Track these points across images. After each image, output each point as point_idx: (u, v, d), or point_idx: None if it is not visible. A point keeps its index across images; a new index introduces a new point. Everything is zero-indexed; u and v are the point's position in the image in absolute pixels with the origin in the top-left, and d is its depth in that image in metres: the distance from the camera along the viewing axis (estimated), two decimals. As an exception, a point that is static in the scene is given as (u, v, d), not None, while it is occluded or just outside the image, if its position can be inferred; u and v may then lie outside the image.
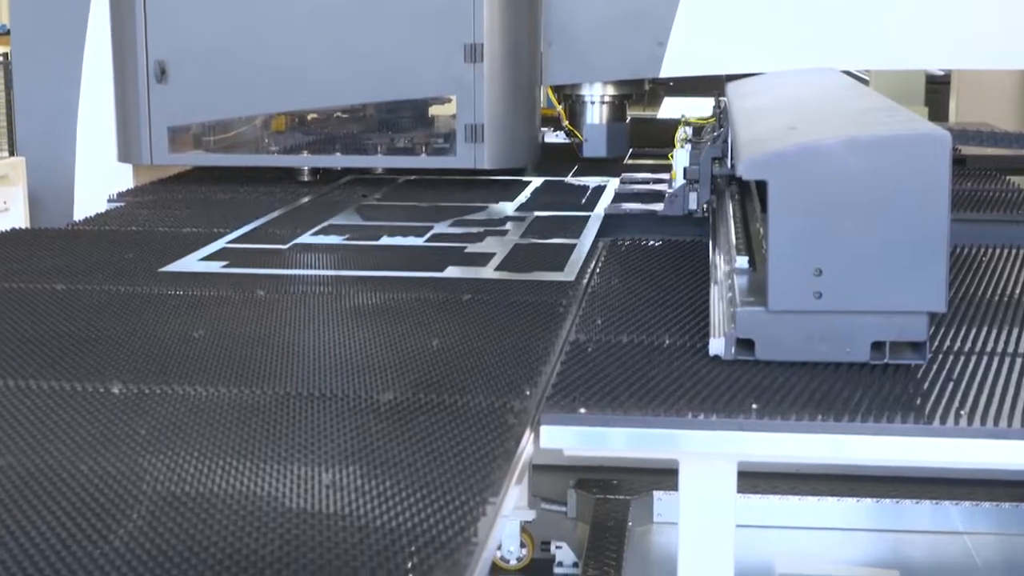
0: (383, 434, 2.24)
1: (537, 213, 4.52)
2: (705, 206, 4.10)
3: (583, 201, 4.82)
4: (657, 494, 3.89)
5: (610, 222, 4.28)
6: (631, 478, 3.97)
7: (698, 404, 2.35)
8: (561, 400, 2.38)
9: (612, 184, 5.19)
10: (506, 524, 4.09)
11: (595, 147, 5.79)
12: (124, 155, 5.37)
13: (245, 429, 2.28)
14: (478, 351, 2.74)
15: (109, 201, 5.00)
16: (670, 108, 7.73)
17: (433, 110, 5.50)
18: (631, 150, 6.02)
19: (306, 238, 4.09)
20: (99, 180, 5.29)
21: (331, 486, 2.00)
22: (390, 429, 2.26)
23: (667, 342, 2.76)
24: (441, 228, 4.26)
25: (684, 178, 4.17)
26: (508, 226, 4.30)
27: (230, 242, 4.02)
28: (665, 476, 3.88)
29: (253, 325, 3.01)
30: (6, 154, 10.69)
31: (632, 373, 2.54)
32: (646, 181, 5.16)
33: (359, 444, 2.20)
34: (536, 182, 5.27)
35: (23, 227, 4.55)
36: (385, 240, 4.03)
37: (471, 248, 3.91)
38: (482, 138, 5.08)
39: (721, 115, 4.59)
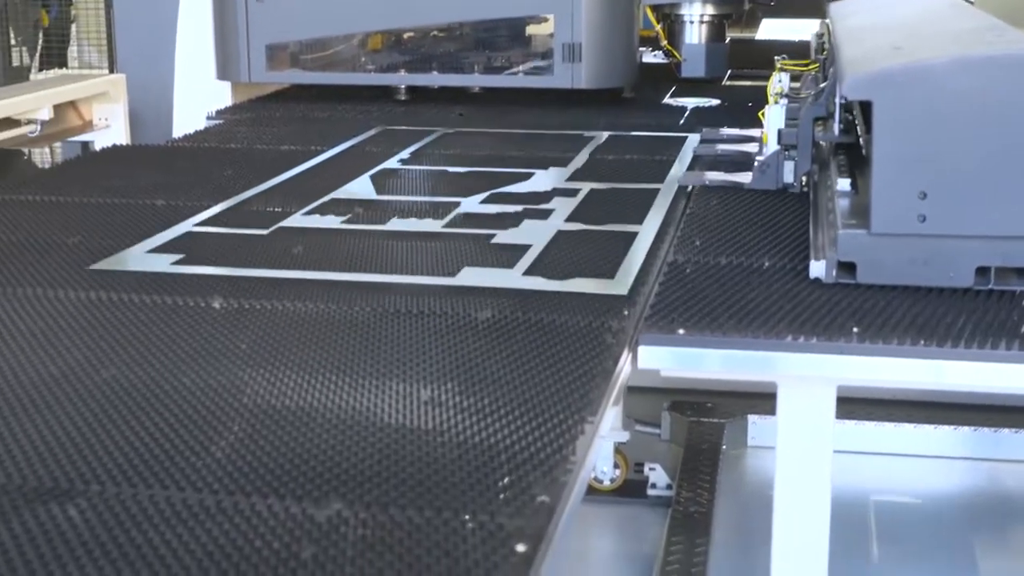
0: (481, 351, 2.24)
1: (593, 185, 3.65)
2: (804, 179, 3.38)
3: (659, 158, 4.12)
4: (752, 418, 3.87)
5: (681, 196, 3.56)
6: (725, 401, 3.95)
7: (798, 327, 2.33)
8: (659, 321, 2.37)
9: (690, 143, 4.37)
10: (601, 445, 4.11)
11: (693, 67, 5.72)
12: (222, 73, 5.39)
13: (344, 345, 2.29)
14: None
15: (208, 119, 5.03)
16: (769, 29, 7.62)
17: (530, 29, 5.46)
18: (729, 71, 5.94)
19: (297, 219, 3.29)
20: (198, 98, 5.32)
21: (429, 402, 2.01)
22: (488, 347, 2.26)
23: (766, 264, 2.73)
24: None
25: (778, 143, 3.40)
26: (553, 203, 3.44)
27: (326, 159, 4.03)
28: (759, 400, 3.86)
29: (350, 244, 3.03)
30: (106, 72, 10.80)
31: (731, 295, 2.52)
32: (733, 139, 4.27)
33: (457, 361, 2.20)
34: (602, 136, 4.48)
35: (124, 143, 4.59)
36: (394, 223, 3.21)
37: (501, 237, 3.06)
38: (580, 57, 5.03)
39: (825, 60, 3.86)
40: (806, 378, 2.32)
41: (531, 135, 4.53)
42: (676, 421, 3.90)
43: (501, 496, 1.69)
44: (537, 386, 2.08)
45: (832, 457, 2.41)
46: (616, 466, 4.08)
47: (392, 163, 3.99)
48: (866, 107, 2.77)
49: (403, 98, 5.40)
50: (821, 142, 3.30)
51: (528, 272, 2.74)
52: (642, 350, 2.31)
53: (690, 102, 5.26)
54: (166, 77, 5.45)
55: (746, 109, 4.64)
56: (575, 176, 3.81)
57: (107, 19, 11.20)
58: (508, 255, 2.88)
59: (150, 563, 1.52)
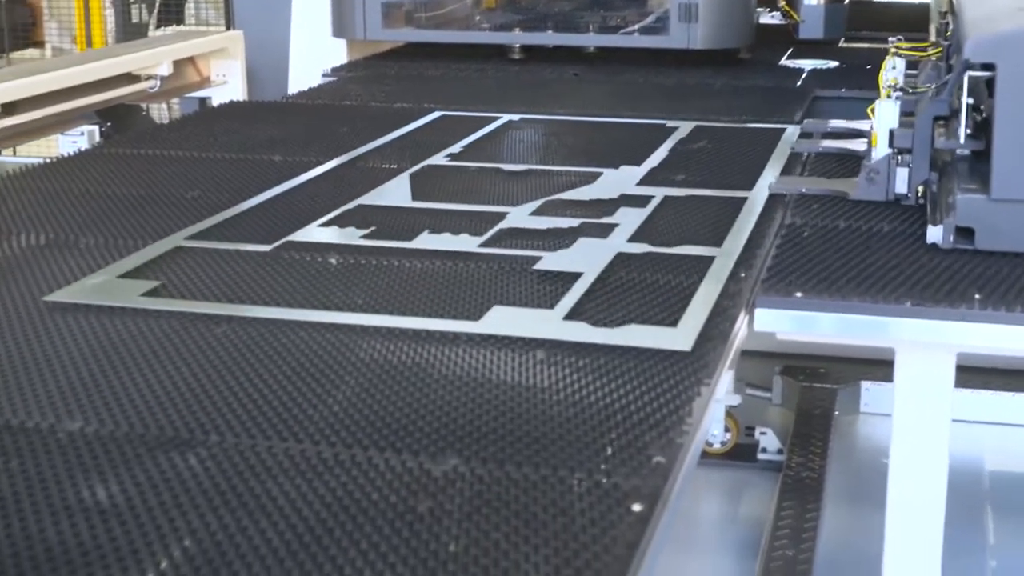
0: (596, 311, 2.23)
1: (668, 192, 3.07)
2: (920, 189, 2.85)
3: (750, 153, 3.56)
4: (865, 384, 3.82)
5: (775, 210, 2.96)
6: (838, 367, 3.91)
7: (918, 292, 2.29)
8: (776, 284, 2.34)
9: (789, 136, 3.76)
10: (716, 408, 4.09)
11: (811, 28, 5.62)
12: (338, 30, 5.40)
13: (460, 301, 2.30)
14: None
15: (323, 76, 5.05)
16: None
17: None
18: (847, 33, 5.85)
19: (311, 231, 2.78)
20: (313, 54, 5.35)
21: (545, 361, 2.01)
22: (604, 306, 2.25)
23: (885, 228, 2.69)
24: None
25: (889, 146, 2.86)
26: (618, 215, 2.86)
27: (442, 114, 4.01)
28: (873, 366, 3.81)
29: (465, 196, 3.03)
30: (224, 28, 10.90)
31: (849, 259, 2.48)
32: (840, 134, 3.60)
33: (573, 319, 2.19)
34: (684, 128, 3.86)
35: (241, 100, 4.63)
36: (423, 240, 2.67)
37: (547, 261, 2.53)
38: (696, 17, 4.97)
39: (950, 47, 3.30)
40: (925, 344, 2.29)
41: (609, 123, 4.04)
42: (788, 386, 3.86)
43: (615, 455, 1.69)
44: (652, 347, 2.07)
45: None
46: (727, 430, 4.07)
47: (439, 158, 3.46)
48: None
49: (517, 57, 5.37)
50: (942, 150, 2.79)
51: (571, 315, 2.23)
52: (759, 313, 2.29)
53: (807, 64, 5.18)
54: (282, 34, 5.48)
55: (865, 72, 4.56)
56: (649, 178, 3.25)
57: (224, -25, 11.32)
58: (549, 289, 2.38)
59: (269, 513, 1.54)
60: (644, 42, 5.23)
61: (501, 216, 2.84)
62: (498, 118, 4.01)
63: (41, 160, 3.40)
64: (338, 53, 5.40)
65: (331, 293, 2.34)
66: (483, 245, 2.64)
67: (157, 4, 12.42)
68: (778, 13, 5.93)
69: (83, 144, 4.20)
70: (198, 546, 1.46)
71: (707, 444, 3.99)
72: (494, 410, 1.83)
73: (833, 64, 5.13)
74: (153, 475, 1.63)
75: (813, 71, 5.00)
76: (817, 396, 3.80)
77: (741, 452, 3.73)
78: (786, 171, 3.31)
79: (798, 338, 2.35)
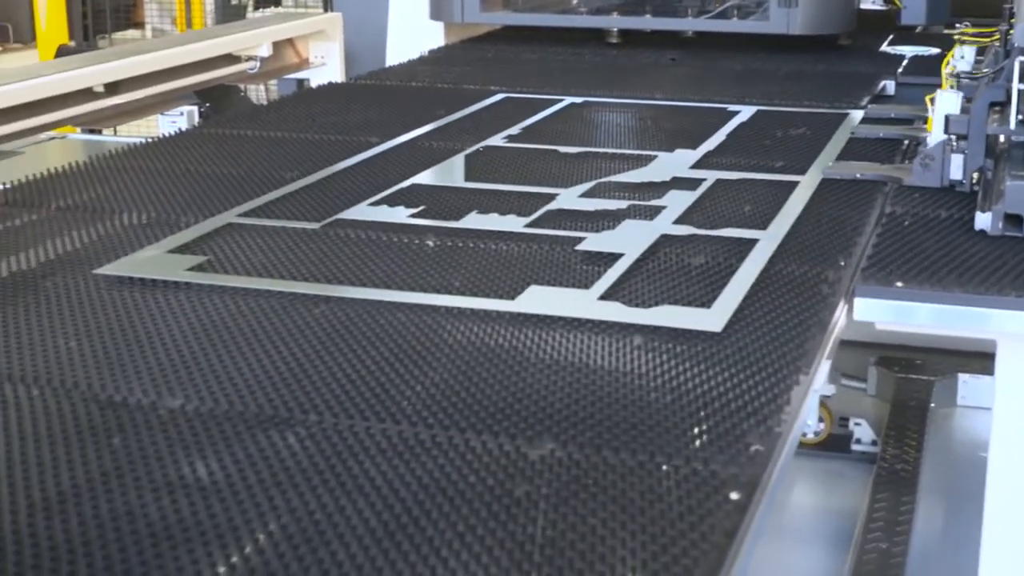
0: (694, 299, 2.22)
1: (721, 175, 3.03)
2: (975, 176, 2.81)
3: (810, 136, 3.51)
4: (963, 377, 3.78)
5: (827, 193, 2.90)
6: (934, 359, 3.86)
7: (1022, 284, 2.25)
8: (877, 273, 2.31)
9: (850, 121, 3.67)
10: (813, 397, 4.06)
11: (914, 14, 5.53)
12: (436, 13, 5.40)
13: (554, 286, 2.29)
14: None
15: (419, 58, 5.07)
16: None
17: None
18: (950, 19, 5.75)
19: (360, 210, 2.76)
20: (411, 37, 5.36)
21: (642, 347, 2.00)
22: (701, 293, 2.24)
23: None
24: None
25: (945, 131, 2.84)
26: (667, 197, 2.83)
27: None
28: (970, 359, 3.77)
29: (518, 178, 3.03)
30: (321, 10, 10.96)
31: (951, 249, 2.45)
32: (903, 120, 3.63)
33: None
34: (746, 112, 3.79)
35: (339, 81, 4.65)
36: (470, 220, 2.66)
37: (590, 242, 2.52)
38: (796, 2, 4.92)
39: (1007, 32, 3.24)
40: (1029, 337, 2.25)
41: (674, 107, 3.98)
42: (884, 377, 3.82)
43: (715, 443, 1.67)
44: (751, 335, 2.05)
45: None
46: (820, 420, 4.04)
47: (496, 139, 3.45)
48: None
49: (615, 41, 5.33)
50: (998, 136, 2.75)
51: (606, 296, 2.22)
52: (858, 302, 2.26)
53: (908, 50, 5.10)
54: (380, 16, 5.49)
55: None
56: (703, 161, 3.21)
57: (323, -42, 11.39)
58: (588, 270, 2.37)
59: (366, 493, 1.55)
60: (743, 27, 5.18)
61: (551, 198, 2.83)
62: (560, 100, 3.98)
63: (141, 140, 3.44)
64: (435, 36, 5.41)
65: (429, 276, 2.34)
66: (529, 226, 2.63)
67: (256, -15, 12.52)
68: (880, -1, 5.86)
69: (183, 124, 4.26)
70: (296, 524, 1.47)
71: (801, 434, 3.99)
72: (591, 395, 1.82)
73: (935, 51, 5.05)
74: (252, 453, 1.65)
75: (914, 58, 4.92)
76: (913, 388, 3.76)
77: (835, 443, 3.70)
78: (843, 156, 3.23)
79: (898, 329, 2.33)
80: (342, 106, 3.95)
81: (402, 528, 1.47)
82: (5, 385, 1.86)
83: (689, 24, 5.35)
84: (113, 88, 3.67)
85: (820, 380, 2.06)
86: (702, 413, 1.77)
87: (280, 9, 11.80)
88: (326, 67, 4.73)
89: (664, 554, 1.42)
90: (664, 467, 1.62)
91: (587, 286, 2.27)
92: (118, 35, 12.55)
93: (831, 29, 5.11)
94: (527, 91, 4.14)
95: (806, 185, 2.95)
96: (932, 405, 3.69)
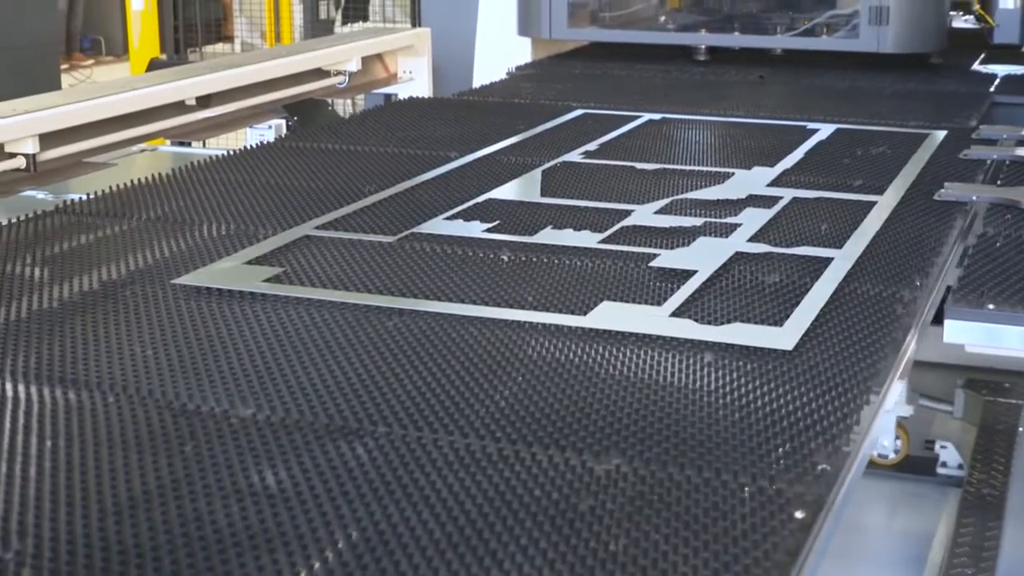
0: (766, 317, 2.21)
1: (798, 193, 3.02)
2: None
3: (893, 155, 3.48)
4: (1051, 401, 3.71)
5: (905, 213, 2.89)
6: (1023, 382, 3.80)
7: (1115, 308, 2.22)
8: (967, 295, 2.28)
9: (931, 141, 3.61)
10: (886, 418, 4.01)
11: (1007, 33, 5.47)
12: (524, 28, 5.42)
13: (626, 302, 2.29)
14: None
15: (507, 73, 5.09)
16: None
17: None
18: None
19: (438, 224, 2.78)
20: (498, 52, 5.38)
21: (712, 364, 2.00)
22: (773, 311, 2.23)
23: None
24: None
25: None
26: (743, 215, 2.84)
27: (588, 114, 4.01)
28: (1061, 384, 3.71)
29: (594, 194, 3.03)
30: (407, 25, 11.05)
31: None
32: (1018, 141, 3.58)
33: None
34: (826, 130, 3.78)
35: (427, 96, 4.67)
36: (545, 235, 2.68)
37: (664, 259, 2.52)
38: (887, 20, 4.87)
39: None
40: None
41: (749, 125, 3.97)
42: (970, 399, 3.77)
43: (781, 461, 1.67)
44: (823, 353, 2.04)
45: None
46: (897, 439, 3.99)
47: (574, 155, 3.46)
48: None
49: (702, 58, 5.33)
50: None
51: (677, 312, 2.22)
52: (948, 324, 2.24)
53: (1000, 70, 5.05)
54: (468, 32, 5.52)
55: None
56: (782, 179, 3.21)
57: (412, -27, 11.46)
58: (661, 286, 2.37)
59: (431, 505, 1.56)
60: (832, 45, 5.15)
61: (626, 214, 2.84)
62: (639, 117, 3.99)
63: (223, 152, 3.49)
64: (523, 51, 5.43)
65: (503, 289, 2.35)
66: (603, 242, 2.63)
67: (343, 1, 12.66)
68: (972, 17, 5.79)
69: (270, 138, 4.30)
70: (361, 535, 1.49)
71: (879, 455, 3.97)
72: (659, 411, 1.82)
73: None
74: (321, 463, 1.66)
75: (1007, 77, 4.86)
76: (1001, 411, 3.70)
77: (919, 465, 3.66)
78: (929, 176, 3.22)
79: (988, 351, 2.30)
80: (420, 120, 3.98)
81: (466, 540, 1.48)
82: (82, 391, 1.89)
83: (777, 42, 5.33)
84: (205, 101, 3.71)
85: (894, 401, 2.04)
86: (770, 431, 1.76)
87: (368, 24, 11.91)
88: (414, 82, 4.75)
89: (726, 571, 1.42)
90: (730, 484, 1.61)
91: (659, 303, 2.27)
92: (208, 49, 12.73)
93: (922, 48, 5.07)
94: (609, 107, 4.15)
95: (884, 205, 2.91)
96: (1021, 429, 3.63)
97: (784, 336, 2.10)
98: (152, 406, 1.84)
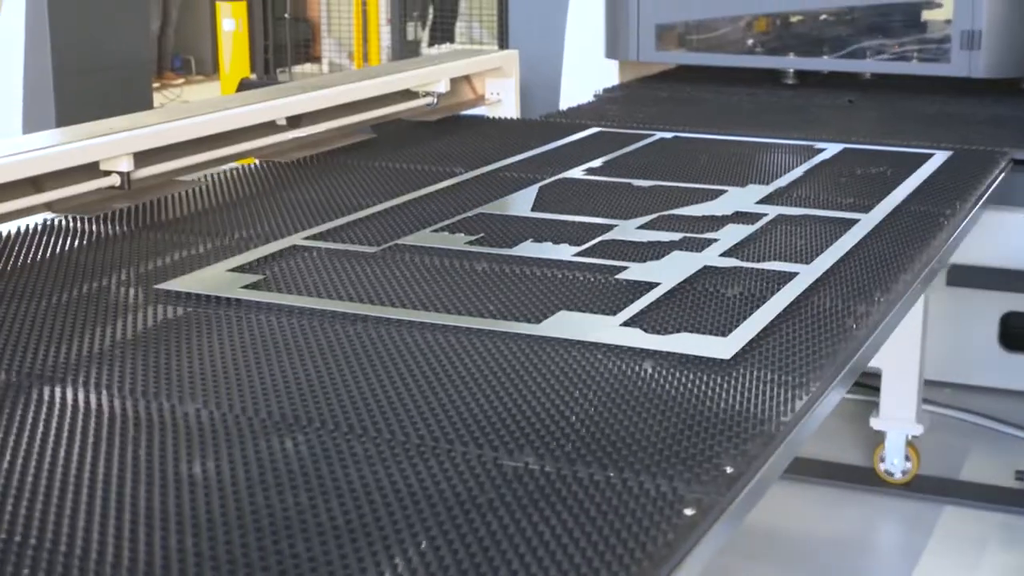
0: (714, 328, 2.28)
1: (783, 210, 3.10)
2: None
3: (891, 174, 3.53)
4: None
5: (885, 231, 2.93)
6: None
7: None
8: None
9: (933, 163, 3.68)
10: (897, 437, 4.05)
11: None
12: (611, 51, 5.44)
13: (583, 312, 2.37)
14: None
15: (594, 96, 5.14)
16: None
17: (926, 14, 5.26)
18: None
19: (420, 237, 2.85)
20: (585, 74, 5.39)
21: (650, 372, 2.07)
22: (723, 322, 2.30)
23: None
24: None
25: None
26: (724, 231, 2.90)
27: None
28: None
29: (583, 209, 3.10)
30: (493, 47, 11.12)
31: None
32: None
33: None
34: (832, 149, 3.86)
35: (513, 117, 4.68)
36: (523, 248, 2.76)
37: (632, 272, 2.59)
38: (979, 45, 4.83)
39: None
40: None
41: (757, 144, 4.03)
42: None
43: (687, 463, 1.74)
44: (759, 363, 2.10)
45: None
46: (908, 459, 4.04)
47: (576, 171, 3.54)
48: None
49: (791, 82, 5.33)
50: None
51: (629, 322, 2.29)
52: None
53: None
54: (556, 54, 5.52)
55: None
56: (772, 196, 3.25)
57: (500, -4, 11.57)
58: (620, 297, 2.44)
59: (341, 494, 1.65)
60: (922, 69, 5.11)
61: (608, 228, 2.91)
62: (651, 135, 4.06)
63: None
64: (610, 74, 5.46)
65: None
66: (578, 255, 2.71)
67: (429, 22, 12.80)
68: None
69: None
70: (269, 520, 1.58)
71: (887, 473, 4.01)
72: (582, 413, 1.90)
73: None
74: (249, 456, 1.76)
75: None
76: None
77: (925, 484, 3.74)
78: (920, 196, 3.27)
79: None
80: (434, 137, 4.08)
81: (363, 526, 1.57)
82: (45, 388, 2.02)
83: (867, 66, 5.29)
84: (295, 121, 3.76)
85: (826, 410, 2.10)
86: (684, 435, 1.82)
87: (455, 46, 12.04)
88: (501, 103, 4.77)
89: (602, 562, 1.49)
90: (629, 483, 1.68)
91: (614, 313, 2.34)
92: (297, 69, 12.92)
93: (1016, 72, 5.00)
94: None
95: (867, 222, 2.96)
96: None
97: (725, 346, 2.17)
98: (116, 397, 1.96)
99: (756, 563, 3.73)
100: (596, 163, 3.65)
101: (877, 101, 4.94)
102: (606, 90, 5.24)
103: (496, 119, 4.52)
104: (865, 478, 4.09)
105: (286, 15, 13.14)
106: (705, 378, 2.04)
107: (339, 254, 2.71)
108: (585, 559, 1.50)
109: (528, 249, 2.75)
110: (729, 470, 1.73)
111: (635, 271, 2.59)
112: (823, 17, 5.42)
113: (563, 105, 5.15)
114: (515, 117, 4.63)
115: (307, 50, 13.91)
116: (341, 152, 3.82)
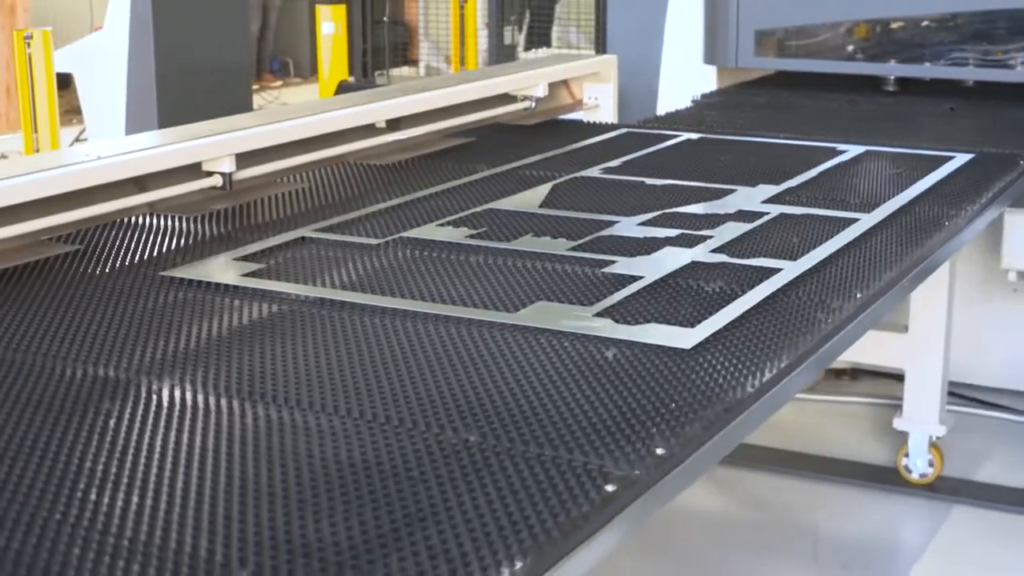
0: (684, 319, 2.34)
1: (786, 209, 3.14)
2: None
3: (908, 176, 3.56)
4: None
5: (883, 230, 2.98)
6: None
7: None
8: None
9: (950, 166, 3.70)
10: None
11: None
12: (710, 57, 5.44)
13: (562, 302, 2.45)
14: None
15: (692, 101, 5.17)
16: None
17: None
18: None
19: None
20: (683, 80, 5.41)
21: (613, 360, 2.14)
22: (694, 314, 2.36)
23: None
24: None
25: None
26: (721, 228, 2.94)
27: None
28: None
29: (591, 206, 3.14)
30: (589, 51, 11.16)
31: None
32: None
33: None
34: (857, 150, 3.89)
35: (610, 122, 4.70)
36: (521, 242, 2.83)
37: (620, 266, 2.66)
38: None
39: None
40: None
41: (778, 145, 4.05)
42: None
43: (622, 444, 1.81)
44: (719, 353, 2.17)
45: None
46: (931, 463, 4.07)
47: (593, 171, 3.59)
48: None
49: (891, 89, 5.29)
50: None
51: (602, 313, 2.36)
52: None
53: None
54: (654, 59, 5.53)
55: None
56: (780, 196, 3.29)
57: (596, 2, 11.60)
58: (602, 290, 2.51)
59: (285, 467, 1.75)
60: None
61: (609, 224, 2.98)
62: (677, 136, 4.09)
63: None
64: (708, 79, 5.47)
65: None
66: (572, 249, 2.78)
67: (526, 26, 12.90)
68: None
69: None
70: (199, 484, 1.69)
71: (906, 471, 4.04)
72: (534, 396, 1.98)
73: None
74: (200, 428, 1.87)
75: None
76: None
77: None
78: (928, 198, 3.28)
79: None
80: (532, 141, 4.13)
81: (298, 494, 1.67)
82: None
83: (970, 73, 5.20)
84: (394, 124, 3.81)
85: (785, 399, 2.16)
86: (627, 417, 1.89)
87: (552, 50, 12.14)
88: (599, 108, 4.80)
89: (510, 531, 1.57)
90: (558, 459, 1.76)
91: (591, 303, 2.42)
92: (394, 72, 13.07)
93: None
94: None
95: (866, 221, 3.00)
96: None
97: (689, 336, 2.23)
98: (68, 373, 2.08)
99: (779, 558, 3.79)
100: (615, 162, 3.71)
101: (980, 109, 4.88)
102: (704, 96, 5.26)
103: (592, 123, 4.58)
104: (889, 478, 4.13)
105: (384, 18, 13.33)
106: (661, 366, 2.11)
107: (344, 245, 2.81)
108: (497, 528, 1.58)
109: (525, 243, 2.82)
110: (660, 451, 1.80)
111: (622, 265, 2.66)
112: (925, 23, 5.34)
113: (661, 111, 5.18)
114: (613, 122, 4.66)
115: (404, 53, 14.08)
116: (436, 155, 3.89)
